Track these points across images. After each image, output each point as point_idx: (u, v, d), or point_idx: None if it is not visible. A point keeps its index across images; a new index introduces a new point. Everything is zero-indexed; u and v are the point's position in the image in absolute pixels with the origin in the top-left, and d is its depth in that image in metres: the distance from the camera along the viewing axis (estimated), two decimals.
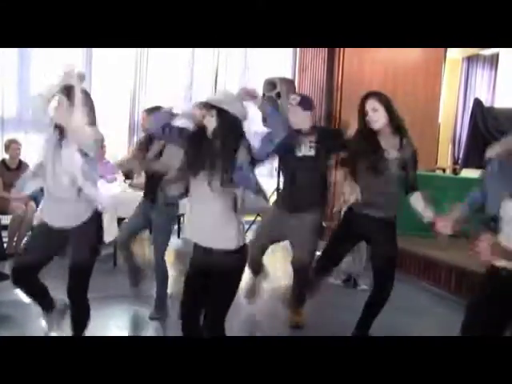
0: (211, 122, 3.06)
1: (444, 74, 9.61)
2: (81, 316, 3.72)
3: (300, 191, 4.56)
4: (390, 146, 3.82)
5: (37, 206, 6.90)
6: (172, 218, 4.99)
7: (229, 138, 3.01)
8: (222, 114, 3.03)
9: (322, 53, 8.89)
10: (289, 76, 9.15)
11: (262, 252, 4.86)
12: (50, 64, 8.01)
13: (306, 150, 4.51)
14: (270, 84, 8.43)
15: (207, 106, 3.07)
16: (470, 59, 10.99)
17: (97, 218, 3.60)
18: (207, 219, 3.09)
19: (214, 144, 3.04)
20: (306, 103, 4.61)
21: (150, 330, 4.75)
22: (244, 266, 3.23)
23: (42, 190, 6.60)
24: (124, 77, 8.53)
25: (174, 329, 4.17)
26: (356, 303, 4.35)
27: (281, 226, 4.65)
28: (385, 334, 3.96)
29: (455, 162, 10.85)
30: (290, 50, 9.42)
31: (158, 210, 4.79)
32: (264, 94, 8.44)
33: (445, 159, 10.75)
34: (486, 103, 10.54)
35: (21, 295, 5.30)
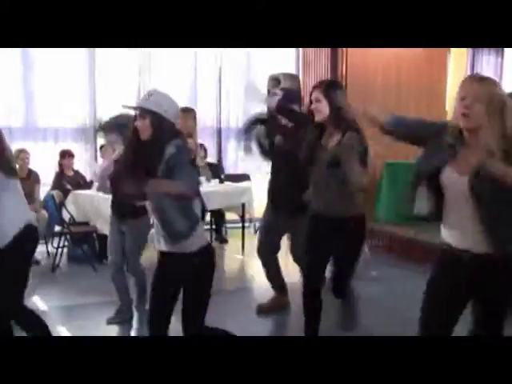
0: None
1: (450, 61, 9.55)
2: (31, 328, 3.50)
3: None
4: (331, 140, 3.65)
5: (48, 213, 6.95)
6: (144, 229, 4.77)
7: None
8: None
9: None
10: (293, 71, 9.13)
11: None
12: (55, 71, 8.07)
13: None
14: (275, 80, 8.35)
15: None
16: None
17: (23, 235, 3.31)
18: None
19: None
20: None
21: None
22: (208, 268, 3.20)
23: (53, 197, 6.72)
24: (128, 79, 8.52)
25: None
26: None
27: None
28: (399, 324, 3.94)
29: None
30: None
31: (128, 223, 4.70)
32: (269, 91, 8.45)
33: None
34: None
35: None
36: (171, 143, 3.03)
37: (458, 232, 2.62)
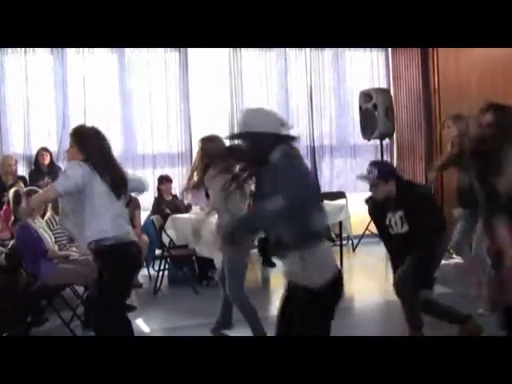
0: None
1: None
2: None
3: None
4: None
5: (149, 239, 7.14)
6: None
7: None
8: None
9: (415, 58, 8.67)
10: (383, 85, 9.04)
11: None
12: (150, 98, 8.36)
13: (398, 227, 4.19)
14: (366, 96, 8.36)
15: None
16: None
17: None
18: None
19: None
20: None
21: None
22: None
23: (153, 222, 6.89)
24: (220, 101, 8.71)
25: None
26: None
27: None
28: None
29: None
30: (382, 58, 9.28)
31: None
32: (361, 107, 8.40)
33: None
34: None
35: None
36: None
37: None
